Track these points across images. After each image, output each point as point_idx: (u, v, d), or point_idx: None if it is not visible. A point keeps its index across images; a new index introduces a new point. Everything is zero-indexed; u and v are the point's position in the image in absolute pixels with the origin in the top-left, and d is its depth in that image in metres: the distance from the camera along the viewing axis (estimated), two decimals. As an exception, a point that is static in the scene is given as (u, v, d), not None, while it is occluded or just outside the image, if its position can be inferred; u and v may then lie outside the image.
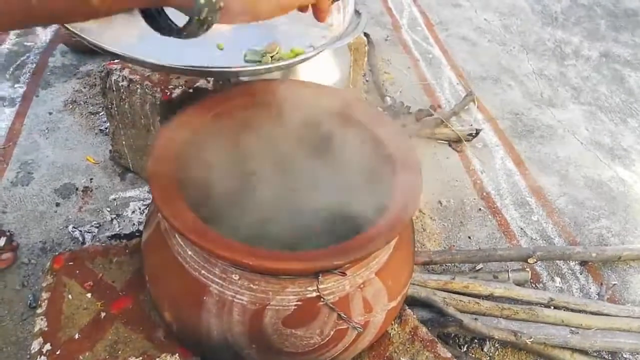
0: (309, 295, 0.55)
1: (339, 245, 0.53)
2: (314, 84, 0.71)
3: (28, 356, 0.68)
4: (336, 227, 0.66)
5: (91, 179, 1.24)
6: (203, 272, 0.56)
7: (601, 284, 1.19)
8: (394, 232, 0.56)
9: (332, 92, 0.70)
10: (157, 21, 0.43)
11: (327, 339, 0.58)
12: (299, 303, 0.55)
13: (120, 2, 0.37)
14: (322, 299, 0.55)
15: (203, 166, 0.64)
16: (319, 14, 0.51)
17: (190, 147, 0.62)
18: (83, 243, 1.10)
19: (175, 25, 0.43)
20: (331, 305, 0.56)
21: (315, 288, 0.55)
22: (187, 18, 0.40)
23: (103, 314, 0.70)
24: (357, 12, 1.06)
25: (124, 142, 1.18)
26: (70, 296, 0.72)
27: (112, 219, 1.15)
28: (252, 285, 0.54)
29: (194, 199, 0.59)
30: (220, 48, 0.72)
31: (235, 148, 0.67)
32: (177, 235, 0.57)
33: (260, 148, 0.69)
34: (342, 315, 0.57)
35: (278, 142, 0.68)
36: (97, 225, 1.14)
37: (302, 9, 0.49)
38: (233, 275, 0.55)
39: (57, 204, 1.18)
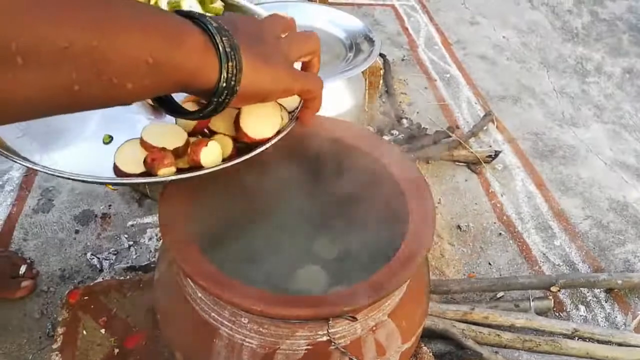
0: (319, 339, 0.54)
1: (349, 290, 0.52)
2: (323, 117, 0.70)
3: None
4: (346, 265, 0.65)
5: (110, 205, 1.26)
6: (213, 314, 0.56)
7: (628, 312, 1.15)
8: (408, 274, 0.54)
9: (341, 125, 0.70)
10: (169, 104, 0.48)
11: (339, 382, 0.57)
12: (309, 347, 0.54)
13: (151, 88, 0.38)
14: (332, 343, 0.54)
15: (215, 203, 0.64)
16: (304, 116, 0.56)
17: (203, 184, 0.62)
18: (101, 270, 1.11)
19: (183, 108, 0.48)
20: (342, 349, 0.55)
21: (326, 332, 0.54)
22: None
23: (116, 350, 0.70)
24: (371, 40, 1.06)
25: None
26: (84, 332, 0.72)
27: (129, 246, 1.16)
28: (261, 329, 0.54)
29: (205, 234, 0.59)
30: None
31: (245, 182, 0.67)
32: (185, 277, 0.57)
33: (271, 183, 0.68)
34: (354, 359, 0.56)
35: (287, 178, 0.68)
36: (115, 252, 1.15)
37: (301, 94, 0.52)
38: (242, 319, 0.54)
39: (77, 231, 1.20)
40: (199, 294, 0.56)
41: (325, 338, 0.54)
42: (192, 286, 0.57)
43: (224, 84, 0.41)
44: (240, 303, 0.50)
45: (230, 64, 0.41)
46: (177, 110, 0.49)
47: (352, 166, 0.66)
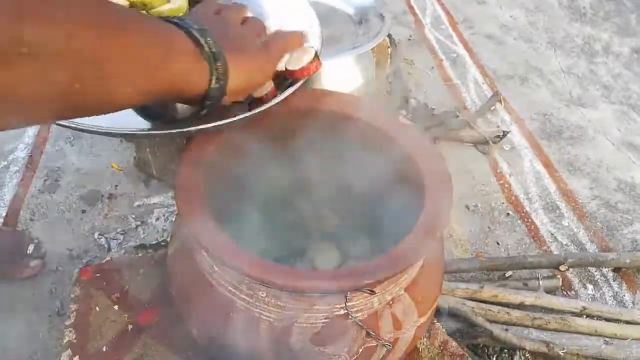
0: (336, 313, 0.54)
1: (369, 263, 0.51)
2: (338, 92, 0.69)
3: (57, 368, 0.69)
4: (363, 237, 0.65)
5: (116, 185, 1.25)
6: (230, 288, 0.55)
7: (636, 291, 1.15)
8: (425, 249, 0.54)
9: (356, 101, 0.69)
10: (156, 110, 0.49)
11: (356, 356, 0.57)
12: (326, 320, 0.54)
13: (145, 92, 0.37)
14: (350, 317, 0.54)
15: (231, 175, 0.63)
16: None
17: (220, 157, 0.61)
18: (109, 250, 1.11)
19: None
20: (359, 322, 0.55)
21: (344, 306, 0.53)
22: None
23: (130, 327, 0.70)
24: (380, 16, 1.04)
25: (147, 149, 1.19)
26: (97, 308, 0.72)
27: (136, 226, 1.16)
28: (279, 303, 0.53)
29: (221, 206, 0.58)
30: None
31: (263, 157, 0.66)
32: (203, 251, 0.56)
33: (287, 158, 0.68)
34: (371, 332, 0.55)
35: (304, 152, 0.67)
36: (123, 232, 1.14)
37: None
38: (260, 293, 0.54)
39: (83, 211, 1.19)
40: (216, 268, 0.56)
41: (342, 312, 0.54)
42: (209, 260, 0.56)
43: (216, 85, 0.42)
44: (259, 276, 0.49)
45: (218, 64, 0.41)
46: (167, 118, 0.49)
47: (368, 142, 0.65)
